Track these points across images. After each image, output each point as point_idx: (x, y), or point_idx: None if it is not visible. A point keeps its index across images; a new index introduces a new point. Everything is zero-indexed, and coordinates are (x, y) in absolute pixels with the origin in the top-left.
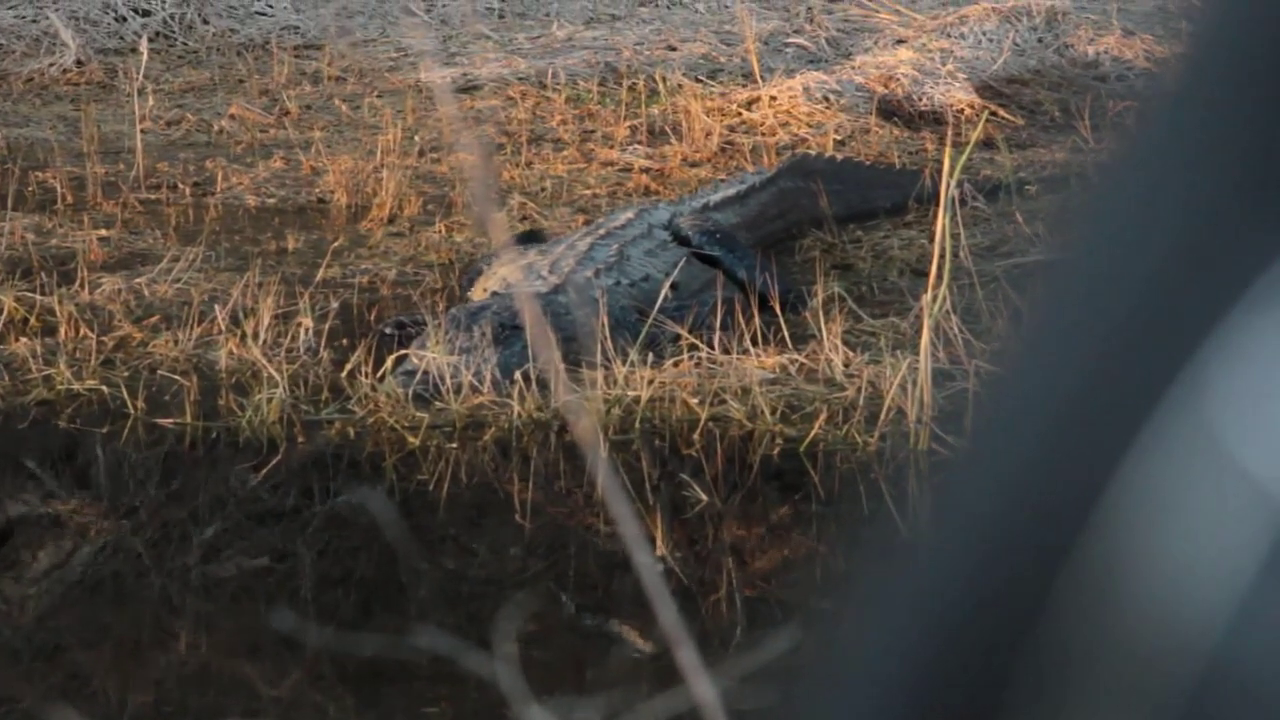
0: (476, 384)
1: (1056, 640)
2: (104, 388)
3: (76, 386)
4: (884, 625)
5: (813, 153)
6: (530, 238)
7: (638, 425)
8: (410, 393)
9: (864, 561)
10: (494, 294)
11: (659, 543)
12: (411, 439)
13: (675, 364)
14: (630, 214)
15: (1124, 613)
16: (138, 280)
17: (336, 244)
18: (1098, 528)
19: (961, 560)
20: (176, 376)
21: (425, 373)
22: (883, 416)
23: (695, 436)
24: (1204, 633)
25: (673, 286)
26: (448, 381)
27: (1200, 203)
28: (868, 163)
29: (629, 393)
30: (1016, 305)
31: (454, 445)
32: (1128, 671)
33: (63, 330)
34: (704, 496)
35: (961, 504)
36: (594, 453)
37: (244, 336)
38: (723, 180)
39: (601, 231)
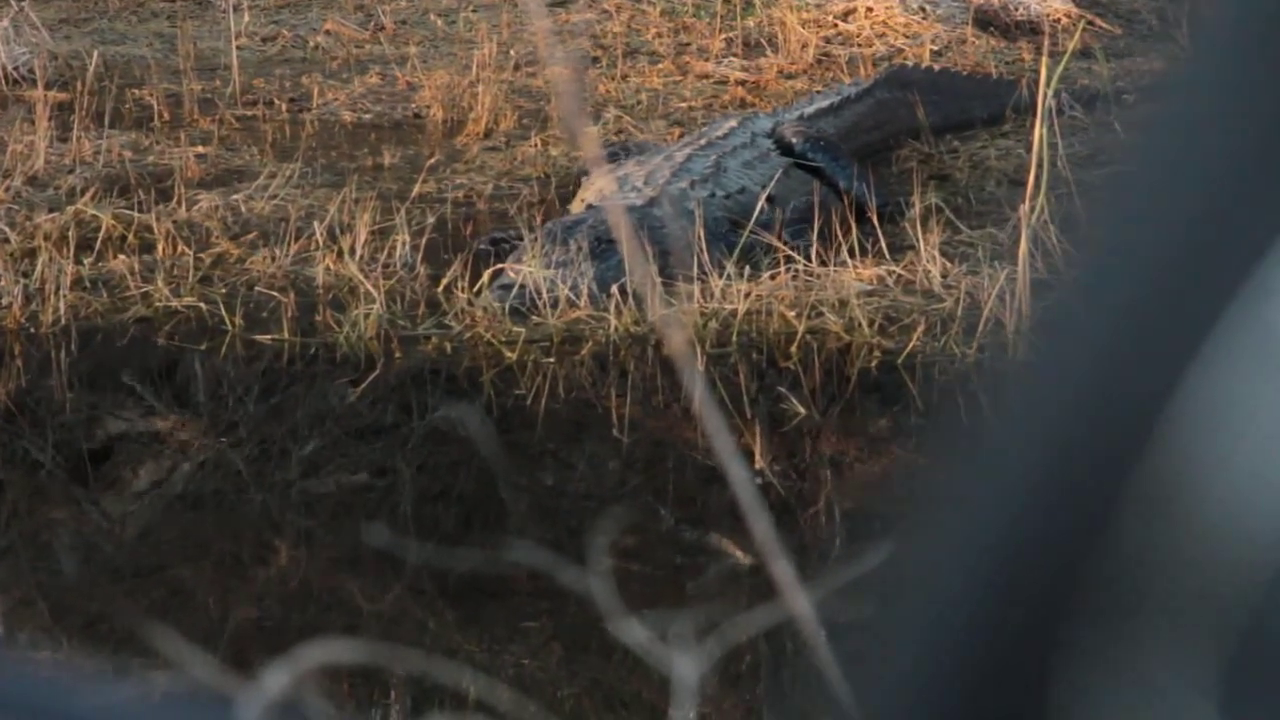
0: (573, 298)
1: (1122, 550)
2: (202, 304)
3: (174, 303)
4: (948, 539)
5: (909, 64)
6: (627, 150)
7: (734, 339)
8: (507, 307)
9: (940, 470)
10: (590, 207)
11: (757, 456)
12: (509, 354)
13: (772, 277)
14: (733, 123)
15: (1190, 522)
16: (235, 197)
17: (432, 159)
18: (1163, 437)
19: (1026, 471)
20: (274, 293)
21: (522, 287)
22: (981, 327)
23: (792, 349)
24: (1271, 543)
25: (769, 200)
26: (544, 296)
27: (1270, 108)
28: (964, 73)
29: (725, 306)
30: (1088, 215)
31: (551, 360)
32: (1193, 581)
33: (160, 247)
34: (801, 410)
35: (1027, 412)
36: (690, 367)
37: (341, 253)
38: (819, 92)
39: (702, 142)
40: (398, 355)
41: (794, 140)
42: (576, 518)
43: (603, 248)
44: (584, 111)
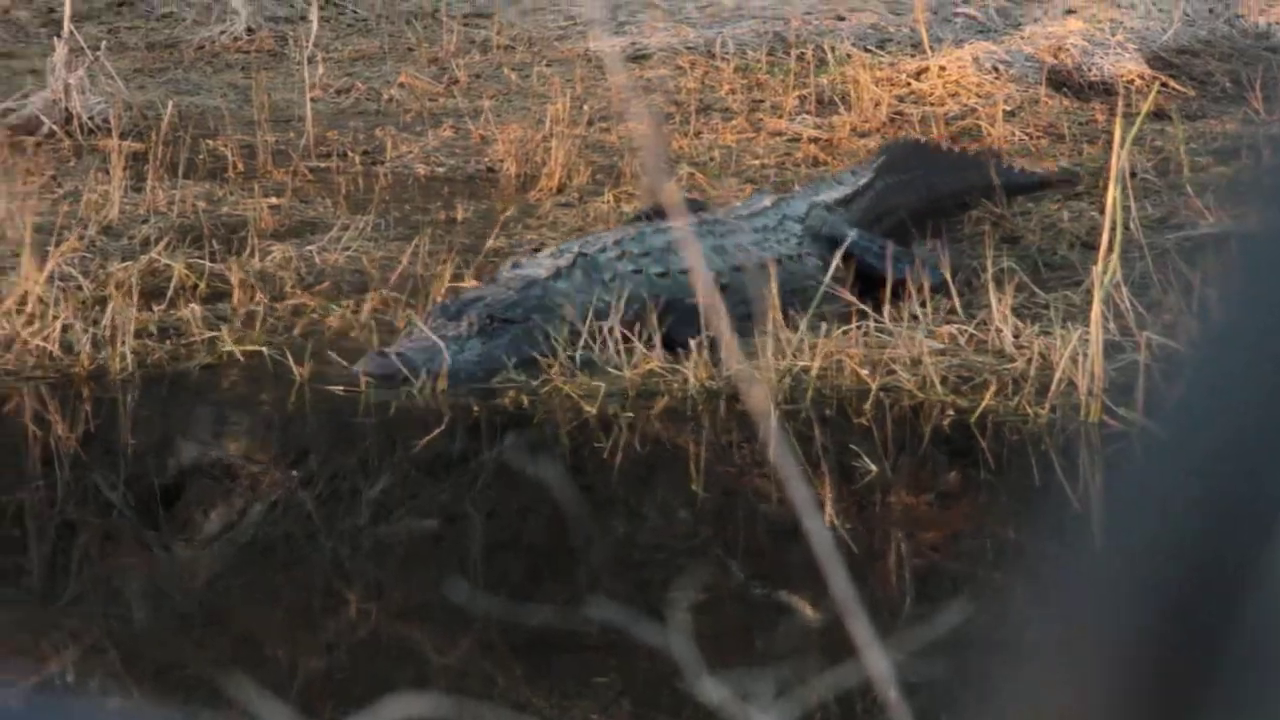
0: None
1: (1258, 630)
2: (266, 351)
3: (239, 350)
4: (1072, 614)
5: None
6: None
7: (809, 395)
8: (366, 376)
9: (1044, 539)
10: (491, 281)
11: (828, 511)
12: (588, 407)
13: (844, 333)
14: (766, 202)
15: None
16: (308, 248)
17: (505, 214)
18: None
19: (1154, 553)
20: (348, 341)
21: (385, 355)
22: (1053, 388)
23: (865, 406)
24: None
25: (721, 287)
26: (421, 371)
27: None
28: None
29: (798, 362)
30: (1188, 280)
31: (629, 414)
32: None
33: (236, 296)
34: (873, 466)
35: (1153, 488)
36: (767, 422)
37: (414, 304)
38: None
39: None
40: (475, 407)
41: (830, 232)
42: (653, 572)
43: (494, 326)
44: (664, 167)
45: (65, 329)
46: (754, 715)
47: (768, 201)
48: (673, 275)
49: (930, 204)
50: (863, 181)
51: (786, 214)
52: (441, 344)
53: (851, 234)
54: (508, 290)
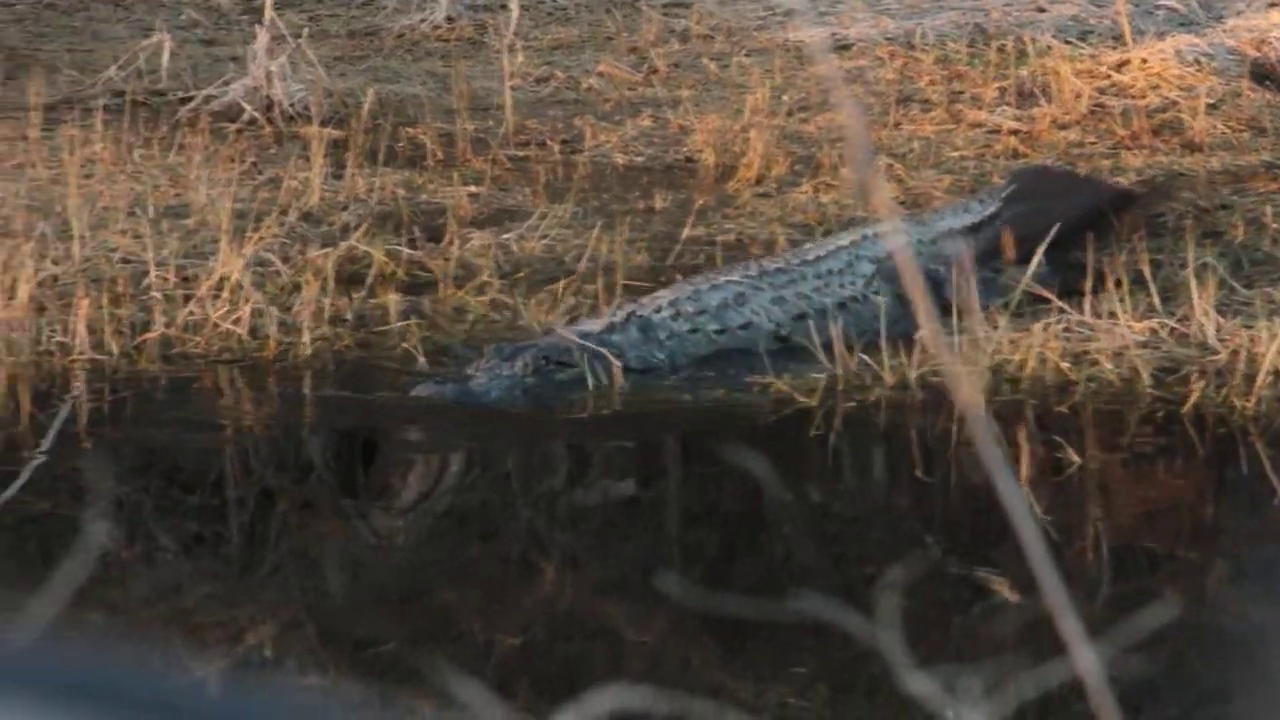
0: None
1: None
2: (460, 346)
3: (430, 341)
4: None
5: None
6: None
7: (1016, 388)
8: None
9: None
10: (548, 332)
11: (1035, 506)
12: (803, 398)
13: (1045, 328)
14: (843, 241)
15: None
16: (506, 236)
17: (702, 204)
18: None
19: None
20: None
21: (443, 384)
22: (1259, 380)
23: (1070, 398)
24: None
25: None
26: (467, 400)
27: None
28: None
29: (1003, 356)
30: None
31: (837, 405)
32: None
33: (440, 286)
34: (1078, 458)
35: None
36: (978, 417)
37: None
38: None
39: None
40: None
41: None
42: (861, 567)
43: (549, 367)
44: (873, 159)
45: (256, 313)
46: (962, 711)
47: (845, 240)
48: (731, 332)
49: (1055, 231)
50: (990, 211)
51: (861, 254)
52: (493, 384)
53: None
54: (562, 339)
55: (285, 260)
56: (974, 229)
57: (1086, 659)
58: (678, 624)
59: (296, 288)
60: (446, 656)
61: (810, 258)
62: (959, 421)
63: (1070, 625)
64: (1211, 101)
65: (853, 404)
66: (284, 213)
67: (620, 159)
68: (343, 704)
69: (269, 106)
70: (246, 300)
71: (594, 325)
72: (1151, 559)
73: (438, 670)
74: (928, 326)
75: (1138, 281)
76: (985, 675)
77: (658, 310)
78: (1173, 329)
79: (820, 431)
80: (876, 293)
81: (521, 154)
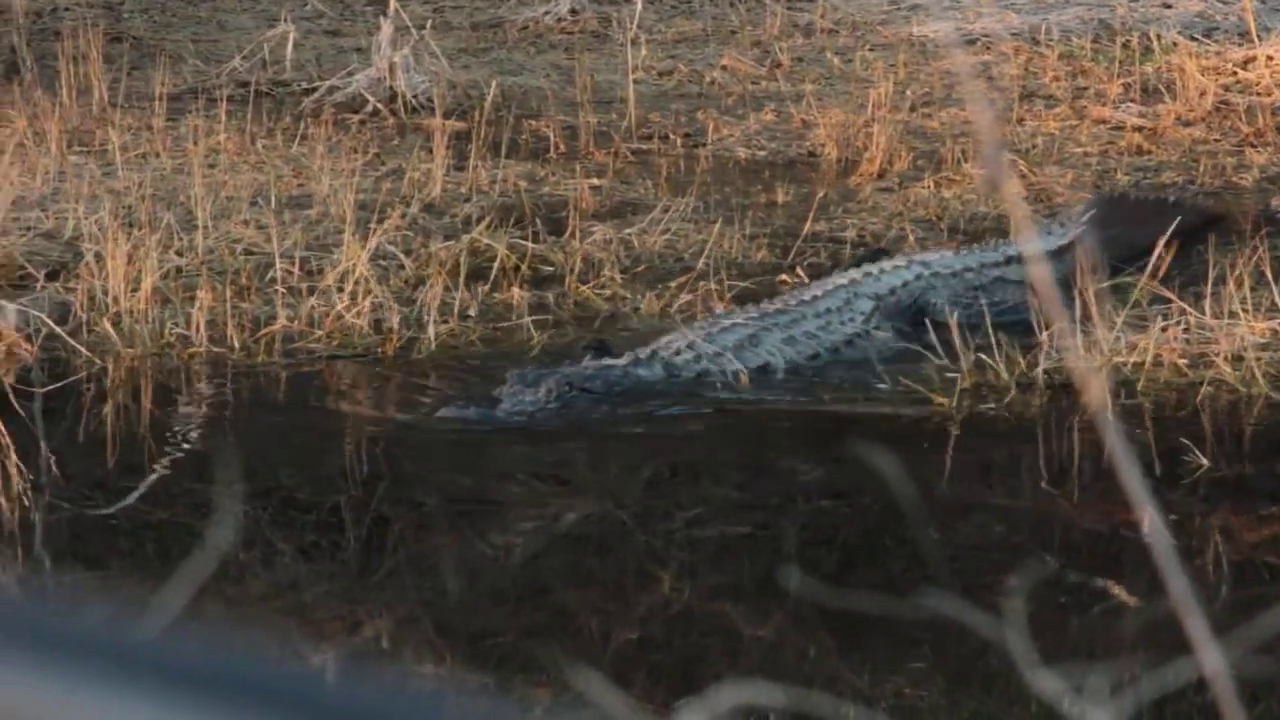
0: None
1: None
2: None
3: (555, 341)
4: None
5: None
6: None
7: (1138, 391)
8: (448, 417)
9: None
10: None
11: (1159, 508)
12: (939, 398)
13: (1163, 329)
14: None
15: None
16: (627, 230)
17: (824, 198)
18: None
19: None
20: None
21: (466, 406)
22: None
23: (1192, 401)
24: None
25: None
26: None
27: None
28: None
29: (1124, 359)
30: None
31: (957, 409)
32: None
33: (567, 281)
34: (1205, 461)
35: None
36: (1106, 418)
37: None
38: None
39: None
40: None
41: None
42: (987, 566)
43: (571, 393)
44: (1002, 155)
45: (376, 307)
46: (1089, 710)
47: (843, 280)
48: (750, 373)
49: (1128, 256)
50: (1070, 236)
51: (860, 292)
52: (516, 410)
53: (939, 305)
54: (585, 368)
55: (407, 253)
56: (1054, 254)
57: (1213, 660)
58: (808, 621)
59: (419, 281)
60: (567, 650)
61: (807, 297)
62: (1082, 425)
63: (1197, 625)
64: None
65: (981, 400)
66: (406, 204)
67: (743, 153)
68: (461, 692)
69: (392, 98)
70: (367, 293)
71: (618, 360)
72: (1275, 564)
73: (558, 662)
74: (1059, 326)
75: (1261, 282)
76: (1112, 674)
77: (677, 353)
78: None
79: (927, 435)
80: (877, 328)
81: (644, 147)
